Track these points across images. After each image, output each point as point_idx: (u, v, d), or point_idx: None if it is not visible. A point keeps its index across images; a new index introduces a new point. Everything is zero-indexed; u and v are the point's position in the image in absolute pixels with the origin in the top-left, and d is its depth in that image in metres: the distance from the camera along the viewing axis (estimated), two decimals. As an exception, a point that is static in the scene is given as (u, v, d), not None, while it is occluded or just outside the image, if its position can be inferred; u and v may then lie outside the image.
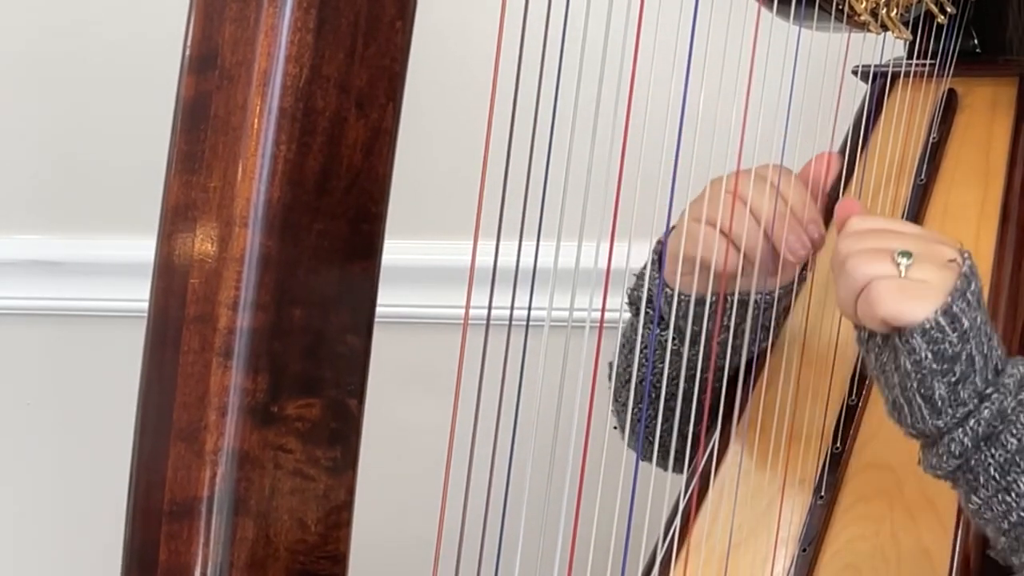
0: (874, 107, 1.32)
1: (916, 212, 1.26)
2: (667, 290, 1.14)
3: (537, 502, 0.86)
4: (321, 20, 0.70)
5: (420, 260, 1.77)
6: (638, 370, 1.21)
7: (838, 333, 1.20)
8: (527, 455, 0.86)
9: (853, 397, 1.16)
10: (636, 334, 1.20)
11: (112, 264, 1.90)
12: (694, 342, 1.14)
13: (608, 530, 0.94)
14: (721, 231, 1.08)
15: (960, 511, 1.05)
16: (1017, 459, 0.92)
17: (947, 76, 1.31)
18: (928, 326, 0.91)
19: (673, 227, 1.14)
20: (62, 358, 1.97)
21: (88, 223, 1.92)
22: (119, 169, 1.87)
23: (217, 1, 0.71)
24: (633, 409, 1.23)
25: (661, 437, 1.20)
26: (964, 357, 0.92)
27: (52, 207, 1.94)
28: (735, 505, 1.12)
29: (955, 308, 0.91)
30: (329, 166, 0.71)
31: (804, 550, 1.09)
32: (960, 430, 0.92)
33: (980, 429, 0.92)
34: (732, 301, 1.13)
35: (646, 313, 1.17)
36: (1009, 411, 0.92)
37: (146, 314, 0.72)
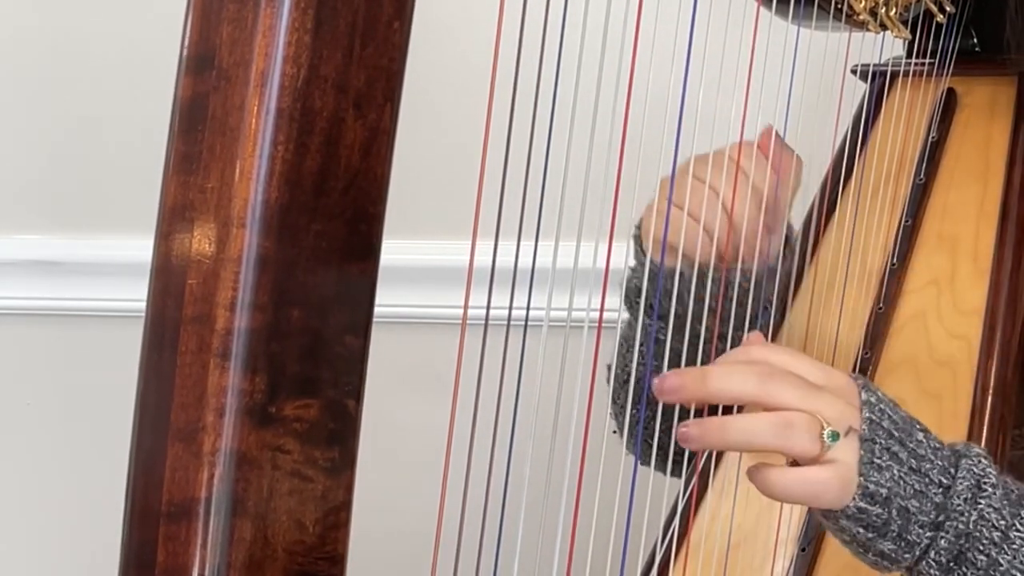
0: (873, 106, 1.32)
1: (915, 211, 1.26)
2: (651, 263, 1.16)
3: (536, 502, 0.86)
4: (319, 20, 0.70)
5: (418, 260, 1.77)
6: (636, 369, 1.21)
7: (838, 332, 1.20)
8: (526, 455, 0.86)
9: (852, 396, 1.16)
10: (631, 330, 1.20)
11: (112, 264, 1.90)
12: (679, 328, 1.14)
13: (607, 530, 0.94)
14: (689, 214, 1.10)
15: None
16: (991, 571, 0.90)
17: (946, 75, 1.31)
18: (850, 512, 0.90)
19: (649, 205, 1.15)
20: (62, 358, 1.97)
21: (88, 223, 1.93)
22: (119, 169, 1.87)
23: (214, 2, 0.71)
24: (631, 410, 1.23)
25: (660, 438, 1.20)
26: (896, 514, 0.90)
27: (52, 207, 1.94)
28: (734, 505, 1.12)
29: (871, 486, 0.89)
30: (327, 166, 0.71)
31: (803, 550, 1.09)
32: (924, 563, 0.91)
33: (943, 558, 0.90)
34: (713, 279, 1.13)
35: (638, 304, 1.18)
36: (971, 528, 0.90)
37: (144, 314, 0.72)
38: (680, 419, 1.11)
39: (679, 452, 1.14)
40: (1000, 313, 1.17)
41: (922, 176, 1.28)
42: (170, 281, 0.71)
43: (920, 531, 0.90)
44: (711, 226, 1.11)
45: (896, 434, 0.91)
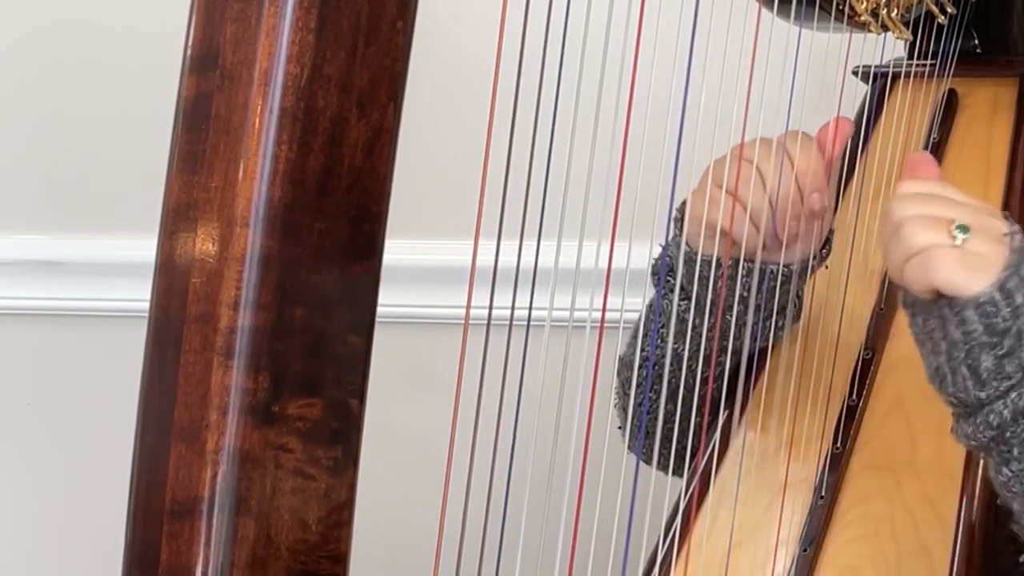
0: (874, 107, 1.32)
1: (916, 212, 1.25)
2: (687, 249, 1.15)
3: (538, 502, 0.86)
4: (322, 20, 0.70)
5: (421, 260, 1.77)
6: (644, 353, 1.20)
7: (839, 333, 1.20)
8: (528, 455, 0.86)
9: (853, 397, 1.16)
10: (651, 312, 1.20)
11: (112, 264, 1.90)
12: (709, 313, 1.14)
13: (609, 530, 0.94)
14: (727, 192, 1.10)
15: (960, 511, 1.05)
16: None
17: (947, 76, 1.31)
18: (983, 299, 0.91)
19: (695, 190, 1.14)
20: (62, 358, 1.97)
21: (88, 223, 1.92)
22: (119, 169, 1.87)
23: (218, 1, 0.71)
24: (636, 397, 1.23)
25: (664, 428, 1.20)
26: (1014, 331, 0.92)
27: (52, 207, 1.94)
28: (735, 505, 1.12)
29: (1010, 284, 0.92)
30: (330, 166, 0.71)
31: (804, 550, 1.09)
32: (1001, 402, 0.93)
33: (1021, 403, 0.92)
34: (749, 269, 1.13)
35: (667, 282, 1.17)
36: None
37: (147, 314, 0.72)
38: (682, 417, 1.11)
39: (681, 445, 1.14)
40: (1001, 314, 1.17)
41: (923, 177, 1.28)
42: (174, 280, 0.71)
43: (1017, 366, 0.92)
44: (757, 212, 1.10)
45: None
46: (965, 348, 0.93)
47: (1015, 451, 0.93)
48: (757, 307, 1.14)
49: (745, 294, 1.13)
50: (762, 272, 1.13)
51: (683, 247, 1.14)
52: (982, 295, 0.92)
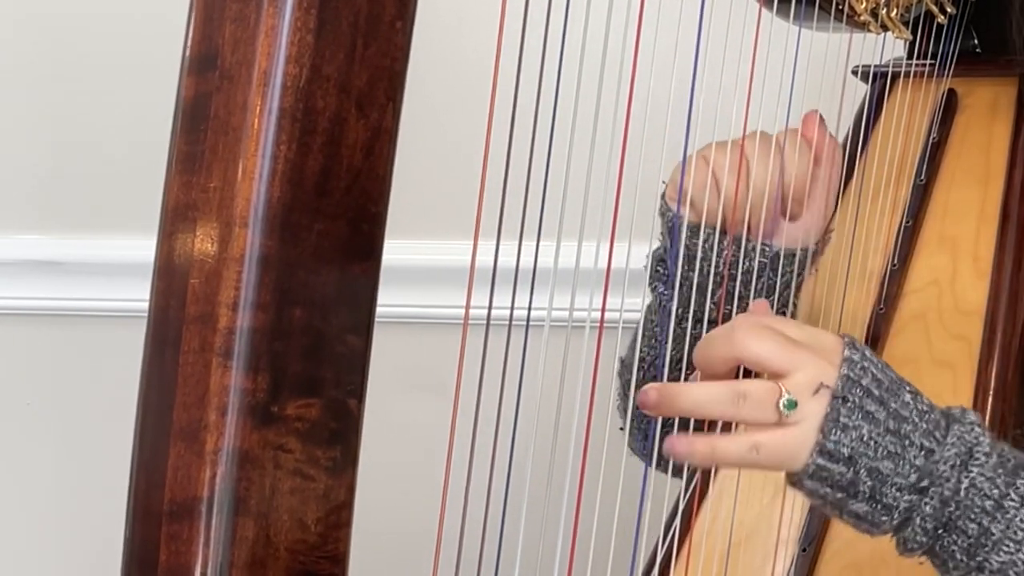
0: (874, 107, 1.32)
1: (916, 212, 1.26)
2: (668, 213, 1.16)
3: (537, 502, 0.86)
4: (321, 20, 0.70)
5: (420, 260, 1.77)
6: (642, 354, 1.20)
7: (838, 331, 1.20)
8: (527, 455, 0.86)
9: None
10: (650, 313, 1.20)
11: (112, 264, 1.90)
12: (688, 300, 1.14)
13: (608, 529, 0.94)
14: (706, 164, 1.12)
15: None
16: (982, 540, 0.88)
17: (947, 76, 1.31)
18: (811, 471, 0.88)
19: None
20: (62, 358, 1.97)
21: (88, 223, 1.93)
22: (119, 169, 1.87)
23: (217, 1, 0.71)
24: (634, 400, 1.23)
25: (662, 432, 1.20)
26: (864, 474, 0.88)
27: (52, 207, 1.94)
28: (735, 504, 1.12)
29: (830, 444, 0.87)
30: (329, 166, 0.71)
31: (804, 550, 1.09)
32: (909, 529, 0.89)
33: (929, 525, 0.88)
34: (727, 243, 1.14)
35: (657, 272, 1.18)
36: (961, 496, 0.88)
37: (146, 314, 0.73)
38: (680, 421, 1.11)
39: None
40: (1000, 314, 1.17)
41: (923, 177, 1.28)
42: (173, 280, 0.71)
43: (897, 494, 0.88)
44: (728, 199, 1.12)
45: (876, 392, 0.89)
46: (833, 507, 0.90)
47: (950, 563, 0.89)
48: (740, 297, 1.14)
49: (721, 268, 1.13)
50: (738, 245, 1.14)
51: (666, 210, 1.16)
52: (807, 467, 0.88)
